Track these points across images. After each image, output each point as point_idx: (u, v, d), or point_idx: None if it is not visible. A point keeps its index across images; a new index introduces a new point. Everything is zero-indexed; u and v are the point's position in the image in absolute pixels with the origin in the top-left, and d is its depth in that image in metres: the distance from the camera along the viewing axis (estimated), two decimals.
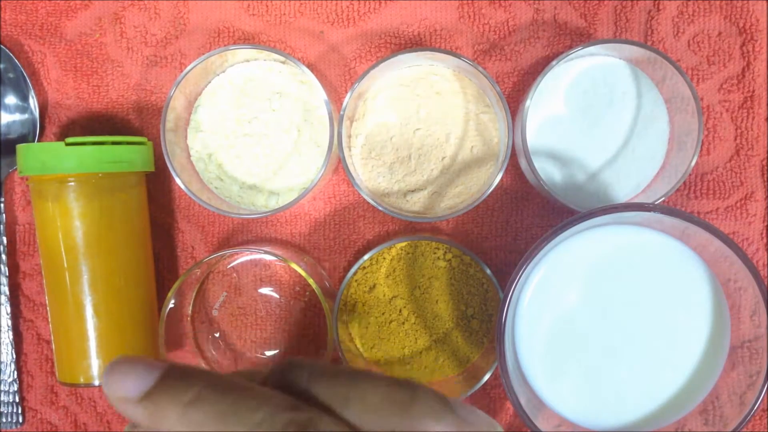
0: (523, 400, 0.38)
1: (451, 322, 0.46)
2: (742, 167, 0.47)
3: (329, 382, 0.23)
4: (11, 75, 0.48)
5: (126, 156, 0.44)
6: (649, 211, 0.37)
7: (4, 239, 0.48)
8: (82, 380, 0.44)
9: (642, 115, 0.45)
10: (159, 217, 0.49)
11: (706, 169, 0.47)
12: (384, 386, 0.22)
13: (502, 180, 0.46)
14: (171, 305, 0.44)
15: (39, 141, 0.49)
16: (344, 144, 0.43)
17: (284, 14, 0.48)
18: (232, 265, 0.48)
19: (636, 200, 0.45)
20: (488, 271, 0.44)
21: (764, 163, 0.47)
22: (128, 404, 0.22)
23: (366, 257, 0.44)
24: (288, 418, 0.21)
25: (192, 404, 0.21)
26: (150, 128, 0.49)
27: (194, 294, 0.48)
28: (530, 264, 0.38)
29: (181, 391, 0.21)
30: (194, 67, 0.43)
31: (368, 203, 0.45)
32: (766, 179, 0.47)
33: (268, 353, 0.48)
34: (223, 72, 0.46)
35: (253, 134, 0.46)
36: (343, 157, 0.43)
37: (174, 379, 0.22)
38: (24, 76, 0.48)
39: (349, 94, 0.43)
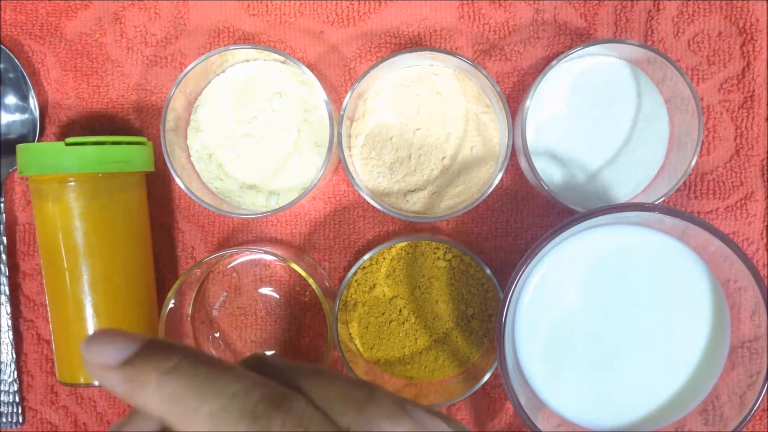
0: (523, 400, 0.38)
1: (451, 322, 0.46)
2: (742, 167, 0.47)
3: (293, 375, 0.23)
4: (11, 75, 0.48)
5: (126, 156, 0.44)
6: (649, 211, 0.37)
7: (4, 239, 0.48)
8: (82, 380, 0.44)
9: (642, 115, 0.45)
10: (159, 217, 0.49)
11: (706, 169, 0.47)
12: (342, 384, 0.23)
13: (502, 180, 0.46)
14: (171, 305, 0.44)
15: (39, 141, 0.49)
16: (344, 144, 0.43)
17: (284, 14, 0.48)
18: (232, 265, 0.48)
19: (636, 200, 0.45)
20: (488, 271, 0.44)
21: (764, 163, 0.47)
22: (107, 371, 0.22)
23: (366, 257, 0.44)
24: (262, 392, 0.21)
25: (170, 372, 0.21)
26: (150, 128, 0.49)
27: (194, 294, 0.48)
28: (530, 264, 0.38)
29: (160, 359, 0.22)
30: (194, 67, 0.43)
31: (368, 203, 0.45)
32: (766, 179, 0.47)
33: (268, 353, 0.48)
34: (223, 72, 0.46)
35: (253, 134, 0.46)
36: (343, 157, 0.43)
37: (154, 349, 0.22)
38: (24, 76, 0.48)
39: (349, 94, 0.43)
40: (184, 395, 0.21)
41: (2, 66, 0.48)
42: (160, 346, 0.22)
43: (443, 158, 0.45)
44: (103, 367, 0.22)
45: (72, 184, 0.43)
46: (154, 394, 0.21)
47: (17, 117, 0.49)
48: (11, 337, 0.48)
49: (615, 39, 0.47)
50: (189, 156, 0.47)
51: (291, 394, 0.22)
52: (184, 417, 0.21)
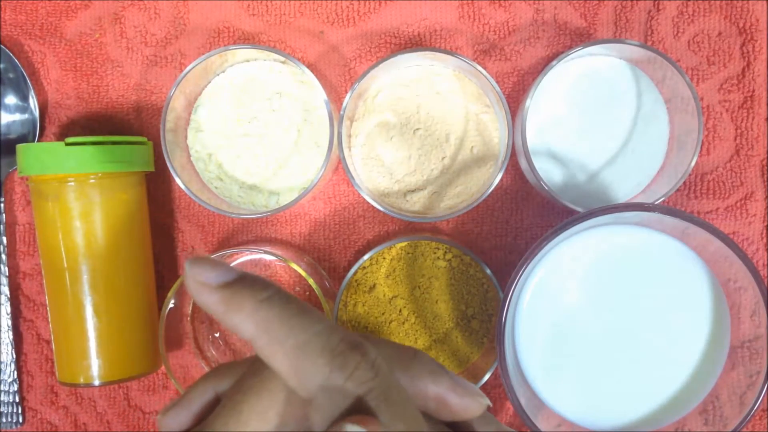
0: (523, 400, 0.38)
1: (451, 322, 0.46)
2: (742, 167, 0.47)
3: None
4: (11, 75, 0.48)
5: (126, 156, 0.44)
6: (649, 211, 0.37)
7: (4, 239, 0.48)
8: (82, 380, 0.44)
9: (642, 115, 0.45)
10: (159, 217, 0.49)
11: (706, 169, 0.47)
12: (390, 346, 0.26)
13: (502, 180, 0.46)
14: (171, 305, 0.44)
15: (39, 141, 0.49)
16: (344, 144, 0.43)
17: (284, 14, 0.48)
18: (232, 265, 0.48)
19: (636, 200, 0.45)
20: (488, 271, 0.44)
21: (764, 163, 0.47)
22: (206, 289, 0.24)
23: (366, 257, 0.44)
24: (343, 335, 0.23)
25: (265, 302, 0.23)
26: (150, 128, 0.49)
27: None
28: (530, 264, 0.38)
29: (258, 288, 0.24)
30: (194, 67, 0.43)
31: (368, 203, 0.45)
32: (766, 179, 0.47)
33: None
34: (223, 72, 0.46)
35: (253, 134, 0.46)
36: (343, 157, 0.43)
37: (252, 279, 0.24)
38: (24, 76, 0.48)
39: (349, 94, 0.43)
40: (275, 325, 0.23)
41: (2, 66, 0.48)
42: (256, 278, 0.24)
43: (443, 158, 0.45)
44: (203, 285, 0.24)
45: (72, 184, 0.43)
46: (249, 318, 0.23)
47: (17, 117, 0.49)
48: (11, 337, 0.48)
49: (615, 39, 0.47)
50: (189, 156, 0.47)
51: (366, 342, 0.23)
52: (271, 345, 0.23)
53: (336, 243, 0.48)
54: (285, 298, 0.24)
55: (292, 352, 0.23)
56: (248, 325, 0.23)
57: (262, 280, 0.24)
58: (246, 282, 0.24)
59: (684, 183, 0.47)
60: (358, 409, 0.22)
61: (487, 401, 0.25)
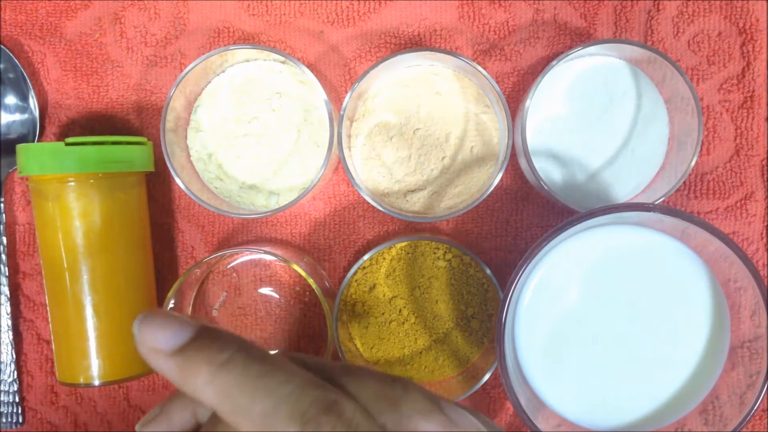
0: (523, 400, 0.38)
1: (451, 322, 0.46)
2: (742, 167, 0.47)
3: (328, 374, 0.23)
4: (11, 75, 0.48)
5: (126, 156, 0.44)
6: (649, 211, 0.37)
7: (4, 239, 0.48)
8: (82, 380, 0.44)
9: (642, 115, 0.45)
10: (159, 217, 0.49)
11: (706, 169, 0.47)
12: (377, 382, 0.23)
13: (502, 180, 0.46)
14: (171, 305, 0.44)
15: (39, 141, 0.49)
16: (344, 144, 0.43)
17: (284, 14, 0.48)
18: (232, 265, 0.48)
19: (636, 200, 0.45)
20: (488, 271, 0.44)
21: (764, 163, 0.47)
22: (159, 356, 0.22)
23: (366, 257, 0.44)
24: (315, 395, 0.21)
25: (223, 366, 0.21)
26: (150, 128, 0.49)
27: (194, 294, 0.48)
28: (530, 264, 0.38)
29: (214, 351, 0.21)
30: (194, 67, 0.43)
31: (368, 203, 0.45)
32: (766, 179, 0.47)
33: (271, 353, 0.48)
34: (223, 72, 0.46)
35: (253, 134, 0.46)
36: (343, 157, 0.43)
37: (208, 338, 0.22)
38: (24, 76, 0.48)
39: (349, 94, 0.43)
40: (237, 392, 0.21)
41: (2, 66, 0.48)
42: (213, 335, 0.22)
43: (443, 158, 0.45)
44: (155, 351, 0.22)
45: (72, 184, 0.43)
46: (207, 386, 0.21)
47: (17, 117, 0.49)
48: (11, 337, 0.48)
49: (615, 39, 0.47)
50: (189, 156, 0.47)
51: (342, 398, 0.21)
52: (235, 414, 0.21)
53: (336, 243, 0.48)
54: (247, 357, 0.21)
55: (259, 421, 0.21)
56: (208, 393, 0.21)
57: (221, 338, 0.22)
58: (202, 343, 0.22)
59: (684, 183, 0.47)
60: None
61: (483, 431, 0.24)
